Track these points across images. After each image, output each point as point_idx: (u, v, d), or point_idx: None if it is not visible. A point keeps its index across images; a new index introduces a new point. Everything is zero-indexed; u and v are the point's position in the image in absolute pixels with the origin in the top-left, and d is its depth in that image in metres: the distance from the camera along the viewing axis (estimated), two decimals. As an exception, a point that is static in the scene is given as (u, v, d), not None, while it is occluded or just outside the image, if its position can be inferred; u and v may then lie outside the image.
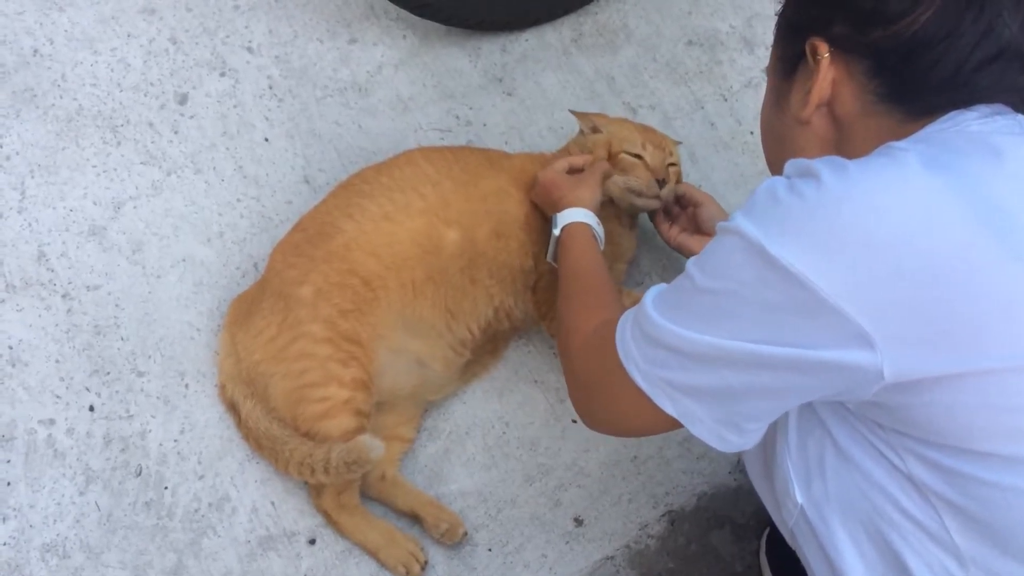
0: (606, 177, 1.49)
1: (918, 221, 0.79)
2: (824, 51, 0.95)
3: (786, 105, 1.02)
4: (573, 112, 1.60)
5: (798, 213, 0.81)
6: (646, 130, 1.58)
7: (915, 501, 0.89)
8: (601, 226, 1.40)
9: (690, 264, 0.91)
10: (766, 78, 1.09)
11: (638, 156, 1.50)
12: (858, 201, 0.80)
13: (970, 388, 0.81)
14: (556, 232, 1.38)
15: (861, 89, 0.95)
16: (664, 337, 0.89)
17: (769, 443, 1.06)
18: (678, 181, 1.55)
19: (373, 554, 1.38)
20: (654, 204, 1.51)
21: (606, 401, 1.02)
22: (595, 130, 1.56)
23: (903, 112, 0.93)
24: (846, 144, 0.97)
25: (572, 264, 1.32)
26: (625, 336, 0.95)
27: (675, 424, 0.93)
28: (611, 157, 1.51)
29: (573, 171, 1.51)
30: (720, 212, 1.52)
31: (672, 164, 1.54)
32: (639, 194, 1.49)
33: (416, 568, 1.36)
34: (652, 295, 0.94)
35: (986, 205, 0.80)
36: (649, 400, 0.92)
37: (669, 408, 0.91)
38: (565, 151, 1.58)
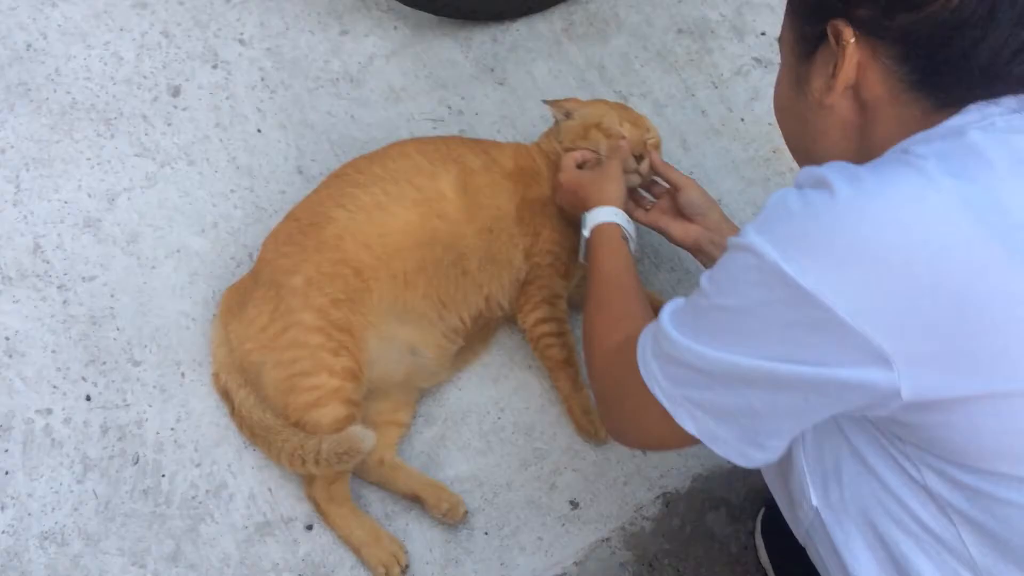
0: (624, 163, 1.47)
1: (935, 237, 0.76)
2: (849, 36, 0.89)
3: (806, 87, 0.97)
4: (546, 102, 1.58)
5: (811, 227, 0.79)
6: (622, 108, 1.58)
7: (932, 513, 0.89)
8: (631, 223, 1.38)
9: (704, 279, 0.89)
10: (779, 55, 1.04)
11: (599, 126, 1.50)
12: (874, 215, 0.77)
13: (990, 411, 0.79)
14: (585, 233, 1.36)
15: (889, 75, 0.89)
16: (683, 355, 0.88)
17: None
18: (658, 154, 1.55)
19: (356, 551, 1.37)
20: (635, 180, 1.50)
21: (630, 417, 1.01)
22: (568, 116, 1.55)
23: (932, 101, 0.88)
24: (871, 129, 0.93)
25: (599, 268, 1.29)
26: (646, 354, 0.94)
27: (698, 441, 0.92)
28: (589, 132, 1.51)
29: (584, 164, 1.50)
30: (702, 196, 1.48)
31: (650, 139, 1.54)
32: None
33: (395, 570, 1.35)
34: (668, 311, 0.93)
35: (1008, 220, 0.77)
36: (671, 419, 0.91)
37: (690, 427, 0.91)
38: (539, 145, 1.57)
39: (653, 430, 0.97)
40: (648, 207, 1.51)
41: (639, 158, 1.49)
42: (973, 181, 0.78)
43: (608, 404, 1.08)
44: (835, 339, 0.78)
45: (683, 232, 1.45)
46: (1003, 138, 0.82)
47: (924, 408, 0.81)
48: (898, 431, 0.88)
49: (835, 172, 0.81)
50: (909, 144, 0.85)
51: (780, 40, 1.03)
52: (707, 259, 1.44)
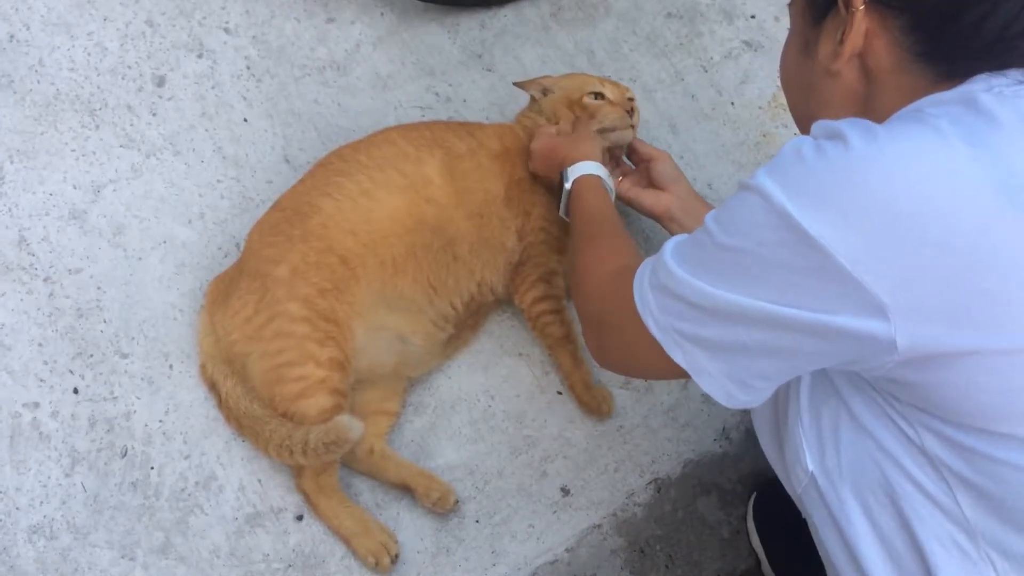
0: (619, 120, 1.51)
1: (943, 192, 0.77)
2: (859, 3, 0.90)
3: (814, 53, 0.98)
4: (517, 84, 1.61)
5: (823, 176, 0.80)
6: (597, 76, 1.62)
7: (928, 475, 0.89)
8: (611, 178, 1.42)
9: (709, 218, 0.90)
10: (789, 21, 1.04)
11: (600, 95, 1.53)
12: (884, 167, 0.78)
13: (986, 368, 0.79)
14: (567, 186, 1.39)
15: (896, 44, 0.90)
16: (681, 289, 0.89)
17: (781, 409, 1.06)
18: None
19: (345, 541, 1.37)
20: (629, 134, 1.53)
21: (619, 344, 1.03)
22: (546, 92, 1.58)
23: (937, 72, 0.89)
24: (875, 98, 0.94)
25: (585, 212, 1.33)
26: (643, 284, 0.95)
27: (685, 373, 0.93)
28: (574, 108, 1.53)
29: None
30: (675, 168, 1.51)
31: (631, 99, 1.57)
32: (613, 129, 1.51)
33: (386, 560, 1.34)
34: (671, 245, 0.94)
35: (1016, 180, 0.77)
36: (661, 349, 0.92)
37: (680, 359, 0.92)
38: (521, 123, 1.59)
39: (641, 358, 0.99)
40: (619, 177, 1.53)
41: (630, 112, 1.53)
42: (983, 141, 0.79)
43: (596, 330, 1.09)
44: (834, 286, 0.79)
45: (655, 200, 1.48)
46: (1012, 102, 0.82)
47: (921, 364, 0.81)
48: (896, 391, 0.88)
49: (850, 126, 0.81)
50: (922, 104, 0.86)
51: (790, 5, 1.04)
52: (678, 227, 1.46)
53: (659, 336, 0.92)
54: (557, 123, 1.54)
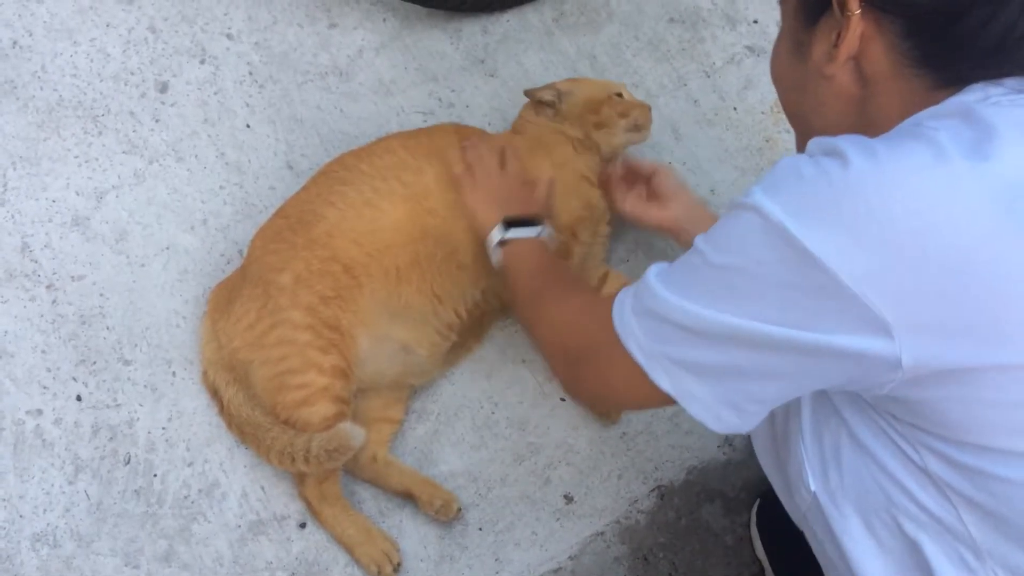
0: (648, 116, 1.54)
1: (945, 208, 0.76)
2: (855, 7, 0.87)
3: (807, 55, 0.95)
4: (528, 92, 1.56)
5: (823, 193, 0.78)
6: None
7: (931, 495, 0.88)
8: (546, 227, 1.37)
9: (699, 240, 0.88)
10: (780, 19, 1.01)
11: (619, 95, 1.54)
12: (885, 184, 0.77)
13: (988, 383, 0.79)
14: (493, 258, 1.35)
15: (893, 49, 0.88)
16: (669, 311, 0.87)
17: (780, 429, 1.05)
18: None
19: (348, 549, 1.37)
20: (648, 133, 1.55)
21: (594, 374, 1.00)
22: (560, 96, 1.54)
23: (934, 79, 0.87)
24: (871, 103, 0.92)
25: (525, 274, 1.29)
26: (624, 310, 0.93)
27: (667, 401, 0.91)
28: (602, 108, 1.52)
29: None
30: (676, 178, 1.50)
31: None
32: (641, 127, 1.53)
33: (388, 568, 1.35)
34: (655, 271, 0.92)
35: (1016, 193, 0.76)
36: (644, 376, 0.90)
37: (665, 384, 0.89)
38: (525, 132, 1.56)
39: (619, 387, 0.97)
40: (623, 197, 1.51)
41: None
42: (983, 154, 0.78)
43: (568, 362, 1.07)
44: (835, 305, 0.78)
45: (662, 213, 1.47)
46: (1009, 112, 0.82)
47: (922, 383, 0.80)
48: (895, 411, 0.88)
49: (849, 143, 0.80)
50: (921, 118, 0.85)
51: (782, 2, 1.00)
52: (687, 237, 1.44)
53: (644, 362, 0.90)
54: (564, 130, 1.52)
